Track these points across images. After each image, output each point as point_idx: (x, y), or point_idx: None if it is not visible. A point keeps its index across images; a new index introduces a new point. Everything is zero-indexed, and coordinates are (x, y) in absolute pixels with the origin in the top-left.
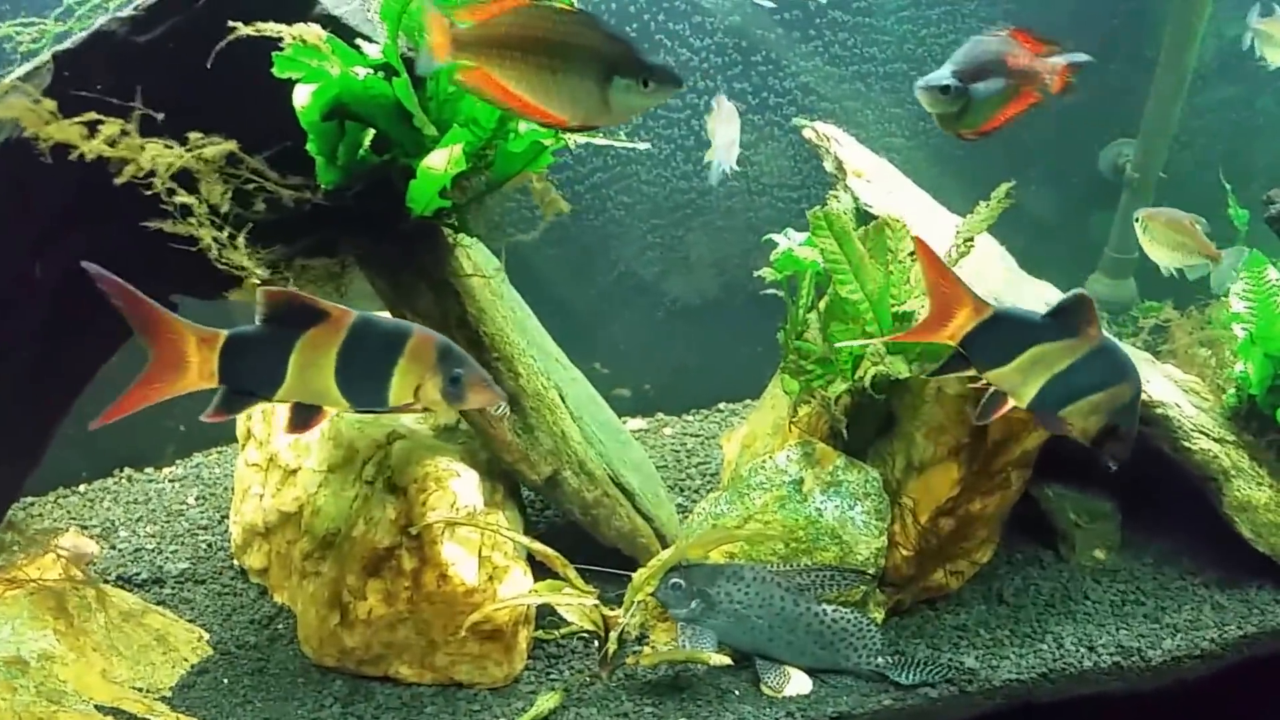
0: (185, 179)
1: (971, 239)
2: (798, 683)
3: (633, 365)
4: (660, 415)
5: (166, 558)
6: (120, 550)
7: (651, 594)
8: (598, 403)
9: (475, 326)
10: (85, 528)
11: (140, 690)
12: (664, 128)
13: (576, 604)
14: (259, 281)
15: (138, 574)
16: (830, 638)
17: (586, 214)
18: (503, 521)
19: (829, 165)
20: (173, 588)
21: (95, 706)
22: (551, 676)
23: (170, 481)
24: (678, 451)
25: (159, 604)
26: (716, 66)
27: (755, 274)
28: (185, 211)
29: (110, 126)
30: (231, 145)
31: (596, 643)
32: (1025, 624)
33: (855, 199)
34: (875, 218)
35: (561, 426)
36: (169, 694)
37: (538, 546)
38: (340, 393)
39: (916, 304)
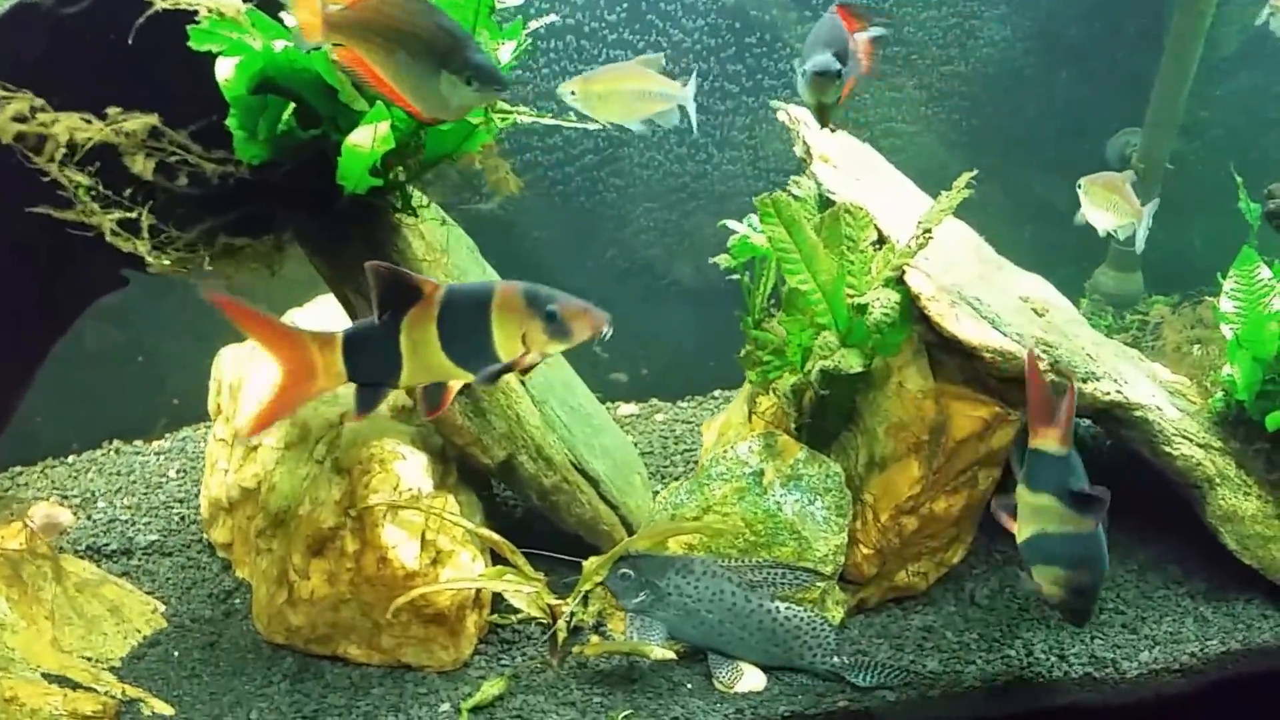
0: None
1: (930, 230)
2: (751, 679)
3: (631, 350)
4: (654, 401)
5: (139, 529)
6: (95, 521)
7: (600, 583)
8: (570, 387)
9: None
10: (66, 498)
11: (89, 660)
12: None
13: (522, 590)
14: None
15: (108, 544)
16: (783, 635)
17: (577, 195)
18: (453, 506)
19: (799, 150)
20: (140, 559)
21: (42, 674)
22: (503, 662)
23: (156, 455)
24: (666, 438)
25: (124, 575)
26: (710, 48)
27: (711, 260)
28: (86, 191)
29: (19, 102)
30: (153, 119)
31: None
32: (995, 628)
33: (818, 185)
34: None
35: (517, 410)
36: (118, 664)
37: (483, 532)
38: (454, 364)
39: (875, 295)
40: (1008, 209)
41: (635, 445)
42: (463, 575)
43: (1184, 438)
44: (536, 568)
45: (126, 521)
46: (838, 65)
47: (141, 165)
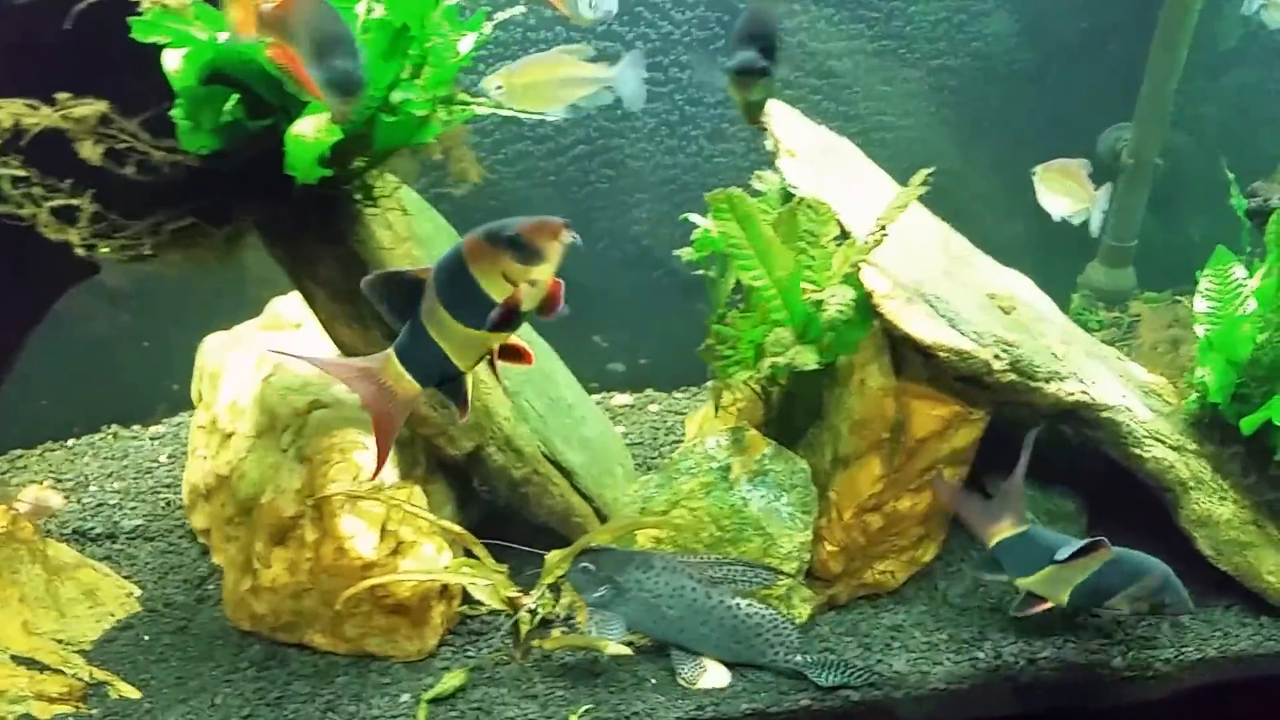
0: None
1: (885, 227)
2: (714, 675)
3: (630, 340)
4: (650, 391)
5: (125, 514)
6: (84, 505)
7: (561, 577)
8: (551, 378)
9: None
10: (60, 481)
11: (61, 642)
12: (646, 102)
13: (481, 582)
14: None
15: (93, 528)
16: (745, 632)
17: (570, 186)
18: (419, 497)
19: (769, 144)
20: (123, 543)
21: (11, 656)
22: (469, 654)
23: (151, 440)
24: (657, 429)
25: (105, 558)
26: (700, 40)
27: (674, 253)
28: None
29: None
30: (103, 105)
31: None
32: (966, 629)
33: (782, 179)
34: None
35: (485, 402)
36: (89, 647)
37: (444, 523)
38: (470, 329)
39: (831, 292)
40: (1000, 204)
41: (626, 436)
42: (423, 566)
43: (1156, 440)
44: (515, 560)
45: (114, 506)
46: (762, 62)
47: (90, 152)
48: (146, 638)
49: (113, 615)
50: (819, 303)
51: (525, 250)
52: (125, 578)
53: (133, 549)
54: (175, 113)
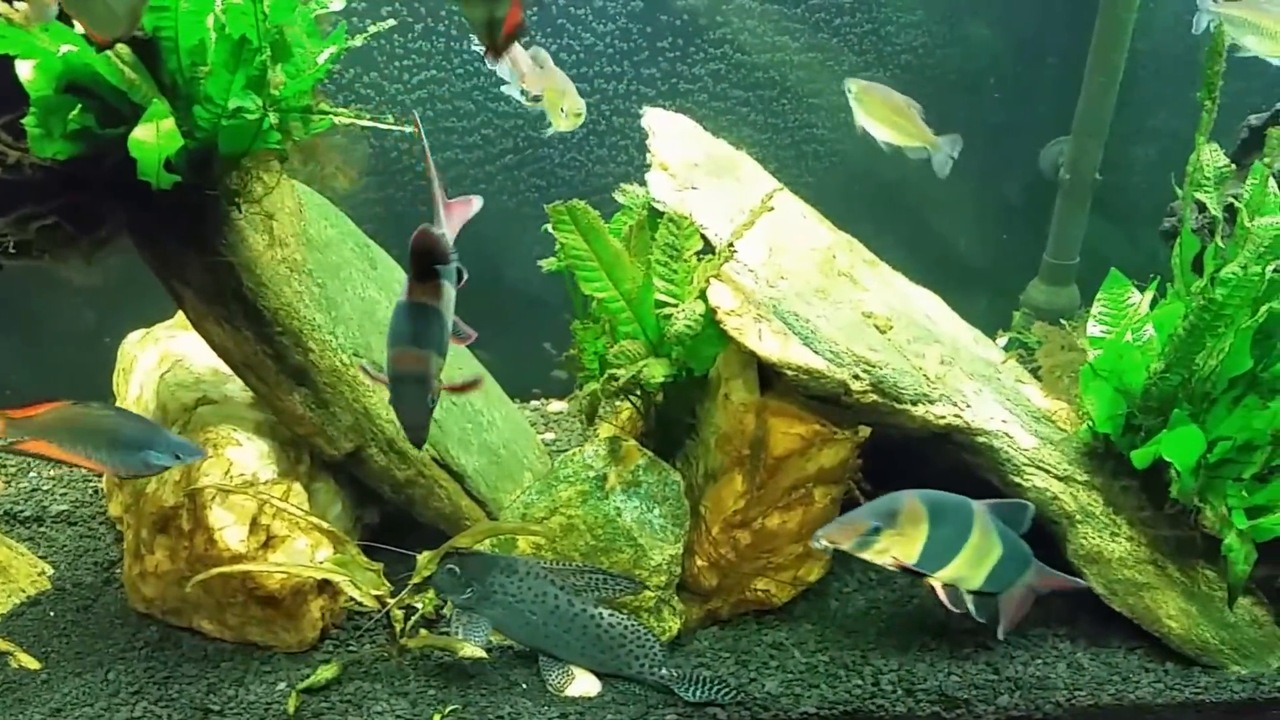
0: None
1: (733, 245)
2: (583, 684)
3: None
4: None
5: (55, 499)
6: (20, 490)
7: (427, 578)
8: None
9: (253, 300)
10: (4, 468)
11: None
12: None
13: (344, 579)
14: None
15: (23, 511)
16: (608, 642)
17: (499, 195)
18: (298, 493)
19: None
20: (48, 526)
21: None
22: (350, 648)
23: None
24: (587, 436)
25: (28, 540)
26: (622, 52)
27: (538, 262)
28: None
29: None
30: None
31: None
32: (850, 652)
33: (648, 192)
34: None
35: (365, 404)
36: None
37: (314, 520)
38: None
39: (683, 307)
40: (938, 222)
41: (555, 442)
42: (294, 561)
43: (1038, 468)
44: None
45: (46, 491)
46: None
47: None
48: (52, 614)
49: (23, 591)
50: (669, 316)
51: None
52: (41, 558)
53: (55, 532)
54: (28, 120)
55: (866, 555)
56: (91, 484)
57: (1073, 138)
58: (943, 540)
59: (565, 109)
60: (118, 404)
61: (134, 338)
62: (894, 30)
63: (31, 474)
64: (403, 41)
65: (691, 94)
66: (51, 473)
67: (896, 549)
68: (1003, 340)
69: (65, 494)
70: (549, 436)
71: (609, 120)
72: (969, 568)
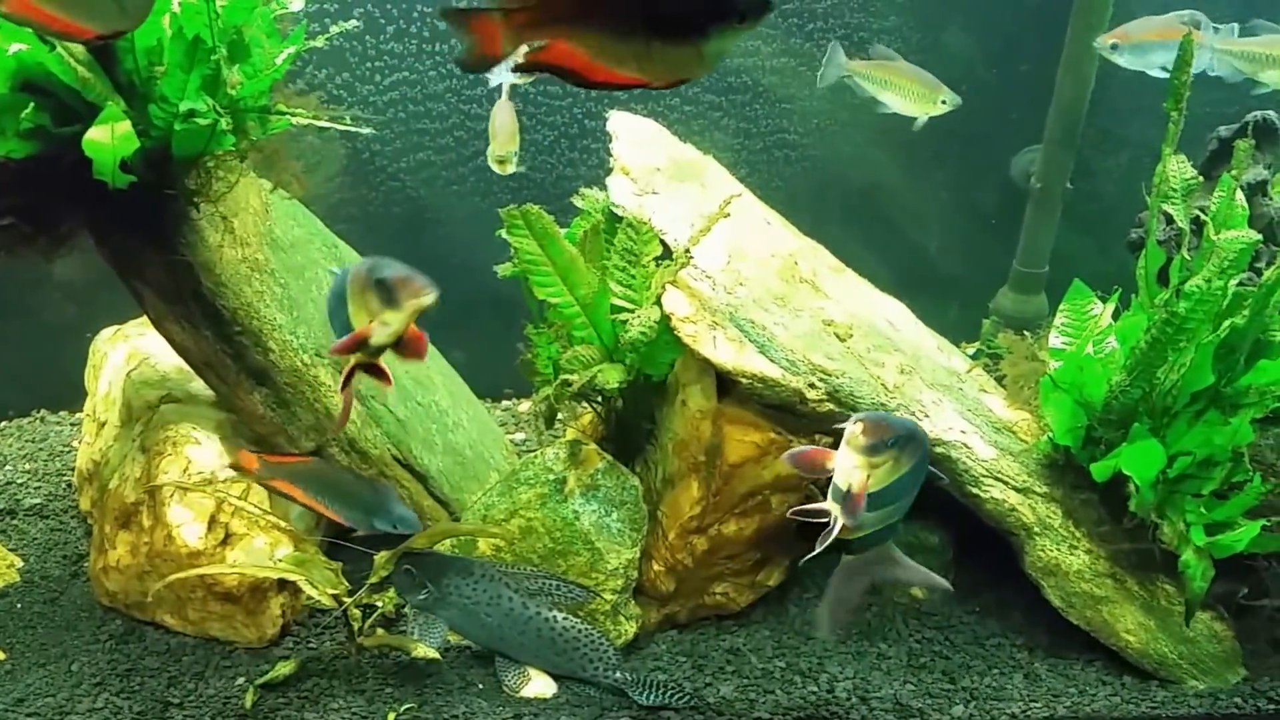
0: None
1: (689, 251)
2: (538, 685)
3: None
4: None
5: (29, 493)
6: None
7: (384, 578)
8: (425, 385)
9: (211, 300)
10: None
11: None
12: (545, 115)
13: (300, 578)
14: None
15: None
16: (563, 645)
17: (471, 196)
18: (258, 490)
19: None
20: (20, 520)
21: None
22: (311, 645)
23: (72, 426)
24: (556, 435)
25: (0, 533)
26: None
27: (494, 268)
28: None
29: None
30: None
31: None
32: (806, 659)
33: (607, 197)
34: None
35: (327, 404)
36: None
37: (272, 518)
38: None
39: (639, 313)
40: (910, 223)
41: (525, 442)
42: (252, 559)
43: (996, 479)
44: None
45: (20, 485)
46: None
47: None
48: (19, 606)
49: None
50: (625, 322)
51: (386, 294)
52: (11, 550)
53: (27, 525)
54: None
55: (857, 459)
56: (65, 478)
57: (1044, 146)
58: (903, 488)
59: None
60: (89, 401)
61: (106, 334)
62: (868, 36)
63: (8, 467)
64: (375, 43)
65: (664, 98)
66: (26, 466)
67: (880, 473)
68: (971, 349)
69: (39, 487)
70: (519, 436)
71: (581, 124)
72: (876, 523)
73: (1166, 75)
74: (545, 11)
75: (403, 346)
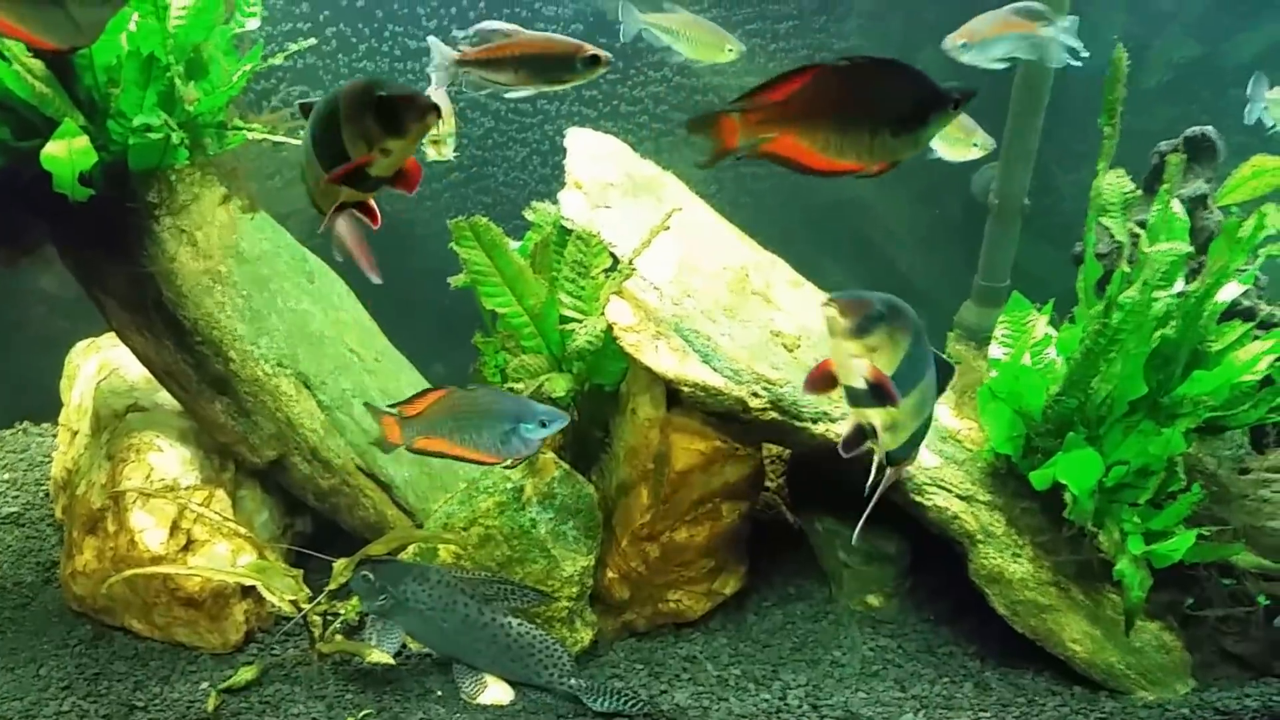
0: None
1: (633, 263)
2: (496, 692)
3: None
4: None
5: (7, 502)
6: None
7: (343, 585)
8: (394, 395)
9: (172, 310)
10: None
11: None
12: (518, 131)
13: (260, 583)
14: None
15: None
16: (517, 651)
17: (448, 211)
18: (221, 499)
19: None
20: None
21: None
22: (274, 652)
23: (51, 437)
24: None
25: None
26: None
27: (448, 279)
28: None
29: None
30: None
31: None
32: (761, 666)
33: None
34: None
35: (288, 413)
36: None
37: (231, 525)
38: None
39: (587, 323)
40: (877, 241)
41: None
42: (213, 565)
43: (940, 487)
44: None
45: (0, 494)
46: None
47: None
48: None
49: None
50: (569, 335)
51: (389, 117)
52: None
53: (2, 533)
54: None
55: (850, 348)
56: (43, 488)
57: (1001, 163)
58: (916, 368)
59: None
60: (64, 411)
61: (80, 346)
62: (830, 56)
63: None
64: (347, 61)
65: (633, 115)
66: (6, 476)
67: (881, 355)
68: None
69: (17, 496)
70: None
71: (552, 140)
72: (910, 415)
73: (1005, 67)
74: (780, 111)
75: (397, 178)
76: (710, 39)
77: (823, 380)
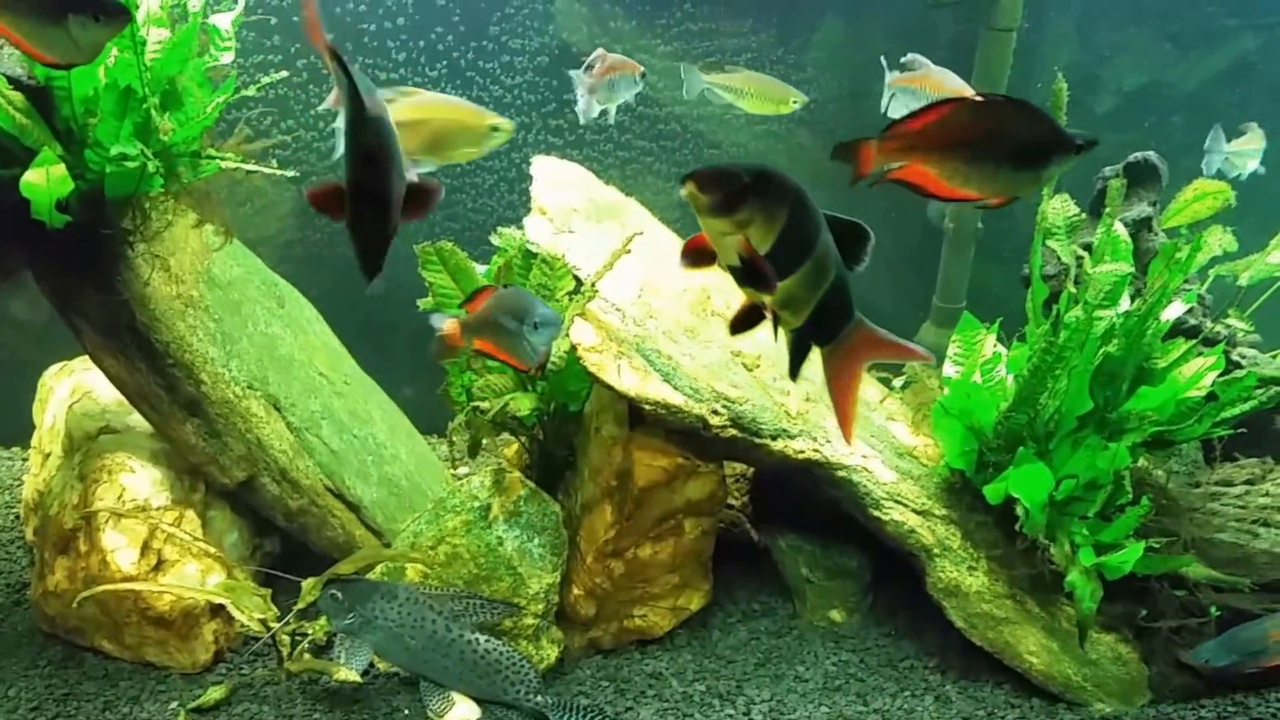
0: None
1: (595, 285)
2: (463, 710)
3: None
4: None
5: None
6: None
7: (311, 604)
8: (362, 419)
9: (145, 334)
10: None
11: None
12: (485, 159)
13: (229, 602)
14: None
15: None
16: (484, 668)
17: (416, 236)
18: (191, 520)
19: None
20: None
21: None
22: (243, 671)
23: (24, 460)
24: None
25: None
26: (530, 104)
27: (417, 303)
28: None
29: None
30: None
31: (278, 644)
32: (726, 681)
33: (523, 235)
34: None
35: (258, 434)
36: None
37: (204, 545)
38: None
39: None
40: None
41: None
42: (183, 584)
43: (896, 502)
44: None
45: None
46: None
47: None
48: None
49: None
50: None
51: None
52: None
53: None
54: None
55: (718, 226)
56: (14, 510)
57: None
58: (803, 236)
59: None
60: (36, 433)
61: (52, 370)
62: (793, 85)
63: None
64: (318, 92)
65: (598, 144)
66: None
67: (756, 229)
68: (899, 381)
69: None
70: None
71: (519, 168)
72: (806, 287)
73: None
74: (915, 140)
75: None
76: (774, 93)
77: (696, 254)
